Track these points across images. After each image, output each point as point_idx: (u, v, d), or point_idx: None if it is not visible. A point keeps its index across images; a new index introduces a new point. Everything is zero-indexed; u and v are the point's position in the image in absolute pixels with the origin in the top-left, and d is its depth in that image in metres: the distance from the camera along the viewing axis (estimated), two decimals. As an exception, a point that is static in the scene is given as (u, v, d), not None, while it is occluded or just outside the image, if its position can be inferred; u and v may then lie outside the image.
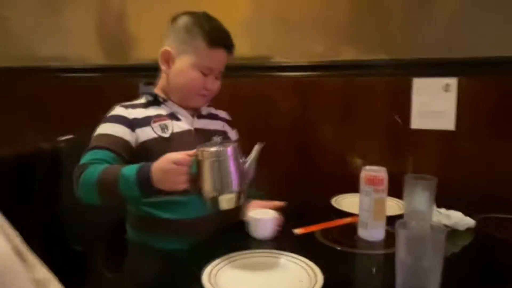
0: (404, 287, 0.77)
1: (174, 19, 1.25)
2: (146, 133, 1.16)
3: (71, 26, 2.19)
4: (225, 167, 0.97)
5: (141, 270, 1.14)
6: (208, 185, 0.98)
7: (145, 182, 0.99)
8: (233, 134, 1.42)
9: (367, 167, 1.13)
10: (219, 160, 0.97)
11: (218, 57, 1.22)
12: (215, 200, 0.99)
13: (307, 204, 1.56)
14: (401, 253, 0.77)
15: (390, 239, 1.11)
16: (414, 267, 0.76)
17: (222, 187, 0.98)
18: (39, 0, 2.25)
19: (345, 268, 0.99)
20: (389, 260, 0.96)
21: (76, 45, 2.19)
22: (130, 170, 1.02)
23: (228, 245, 1.08)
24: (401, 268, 0.78)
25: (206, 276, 0.88)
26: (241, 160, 1.00)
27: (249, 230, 1.09)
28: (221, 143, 1.00)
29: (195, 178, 0.99)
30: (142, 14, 2.04)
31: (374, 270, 1.00)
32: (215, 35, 1.20)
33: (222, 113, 1.41)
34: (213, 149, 0.98)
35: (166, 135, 1.18)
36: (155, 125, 1.18)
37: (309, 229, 1.20)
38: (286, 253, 0.99)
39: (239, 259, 0.97)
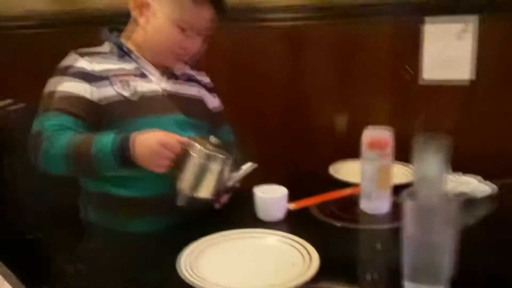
0: (412, 266, 0.77)
1: None
2: (104, 90, 1.13)
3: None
4: (210, 173, 1.04)
5: (106, 258, 1.14)
6: (185, 180, 1.04)
7: (123, 153, 1.01)
8: (213, 102, 1.39)
9: (370, 128, 1.13)
10: (207, 164, 1.03)
11: (201, 13, 1.17)
12: (186, 197, 1.05)
13: (300, 174, 1.57)
14: (409, 227, 0.78)
15: (396, 211, 1.11)
16: (424, 243, 0.77)
17: (198, 188, 1.04)
18: None
19: (345, 247, 1.00)
20: (396, 235, 0.97)
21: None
22: (106, 139, 1.02)
23: (207, 225, 1.09)
24: (409, 244, 0.78)
25: (182, 262, 0.88)
26: (228, 174, 1.06)
27: (257, 212, 1.10)
28: (217, 146, 1.05)
29: (177, 164, 1.03)
30: None
31: (378, 247, 1.02)
32: None
33: (201, 76, 1.37)
34: (207, 150, 1.04)
35: (128, 94, 1.15)
36: (116, 81, 1.15)
37: (303, 203, 1.20)
38: (276, 232, 1.00)
39: (221, 241, 0.97)
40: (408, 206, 0.77)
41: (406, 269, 0.79)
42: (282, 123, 1.87)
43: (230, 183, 1.09)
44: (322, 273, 0.85)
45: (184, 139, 1.04)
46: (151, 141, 1.01)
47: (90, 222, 1.22)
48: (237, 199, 1.21)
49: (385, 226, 1.08)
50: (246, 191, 1.16)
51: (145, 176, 1.14)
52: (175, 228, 1.10)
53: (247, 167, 1.10)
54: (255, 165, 1.10)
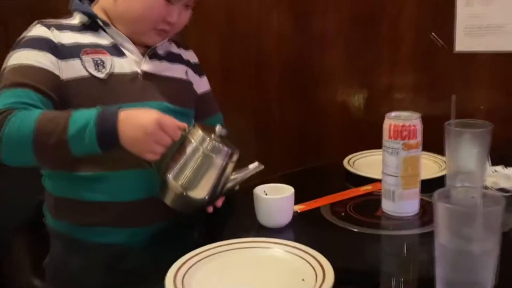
0: (447, 281, 0.77)
1: None
2: (72, 68, 1.11)
3: None
4: (212, 169, 1.04)
5: (73, 275, 1.14)
6: (179, 175, 1.03)
7: (108, 130, 0.99)
8: (203, 86, 1.37)
9: (393, 113, 1.11)
10: (211, 157, 1.03)
11: None
12: (172, 194, 1.04)
13: (309, 169, 1.56)
14: (442, 233, 0.76)
15: (426, 214, 1.12)
16: (461, 253, 0.75)
17: (193, 186, 1.03)
18: None
19: (364, 258, 1.00)
20: (426, 243, 0.96)
21: None
22: (88, 113, 1.00)
23: (198, 235, 1.08)
24: (442, 255, 0.77)
25: (169, 281, 0.86)
26: (230, 173, 1.07)
27: (259, 216, 1.09)
28: (223, 138, 1.05)
29: (170, 154, 1.03)
30: None
31: (405, 258, 1.02)
32: None
33: (187, 54, 1.35)
34: (213, 140, 1.03)
35: (101, 75, 1.13)
36: (87, 58, 1.13)
37: (313, 204, 1.20)
38: (282, 240, 0.99)
39: (215, 255, 0.96)
40: (441, 207, 0.75)
41: (439, 285, 0.78)
42: (286, 108, 1.87)
43: (230, 184, 1.08)
44: (338, 289, 0.83)
45: (183, 124, 1.03)
46: (145, 121, 0.99)
47: (55, 232, 1.21)
48: (233, 201, 1.21)
49: (413, 231, 1.08)
50: (244, 191, 1.15)
51: (125, 176, 1.12)
52: (160, 239, 1.10)
53: (252, 167, 1.09)
54: (261, 166, 1.09)
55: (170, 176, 1.04)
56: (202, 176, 1.04)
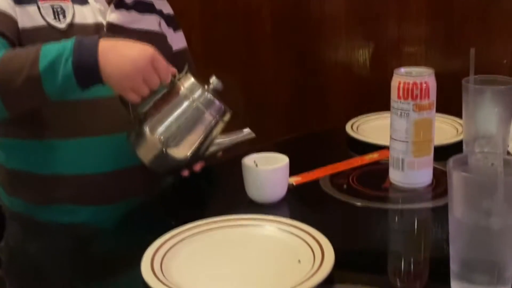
0: (462, 261, 0.77)
1: None
2: (28, 16, 1.11)
3: None
4: (199, 124, 1.03)
5: (34, 261, 1.15)
6: (157, 124, 1.03)
7: (86, 60, 0.98)
8: (175, 39, 1.36)
9: (402, 69, 1.11)
10: (200, 109, 1.02)
11: None
12: (149, 148, 1.03)
13: (306, 135, 1.57)
14: (458, 207, 0.77)
15: (440, 184, 1.12)
16: (479, 229, 0.75)
17: (175, 142, 1.03)
18: None
19: (369, 236, 1.00)
20: (439, 218, 0.97)
21: None
22: (60, 44, 1.00)
23: (178, 211, 1.09)
24: (458, 231, 0.78)
25: (146, 265, 0.87)
26: (217, 134, 1.07)
27: (248, 190, 1.09)
28: (216, 93, 1.04)
29: (147, 100, 1.02)
30: None
31: (415, 235, 1.02)
32: None
33: (160, 3, 1.34)
34: (205, 92, 1.03)
35: (61, 25, 1.13)
36: (45, 5, 1.13)
37: (311, 175, 1.20)
38: (275, 217, 0.99)
39: (199, 234, 0.96)
40: (456, 176, 0.76)
41: (454, 265, 0.78)
42: (280, 65, 1.86)
43: (214, 148, 1.08)
44: (339, 272, 0.84)
45: (174, 69, 1.03)
46: (136, 54, 0.99)
47: (10, 212, 1.22)
48: (218, 173, 1.21)
49: (425, 205, 1.09)
50: (231, 161, 1.15)
51: (88, 143, 1.13)
52: (132, 219, 1.10)
53: (243, 134, 1.09)
54: (253, 134, 1.09)
55: (149, 127, 1.03)
56: (187, 132, 1.04)
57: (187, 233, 0.96)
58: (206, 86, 1.04)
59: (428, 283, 0.87)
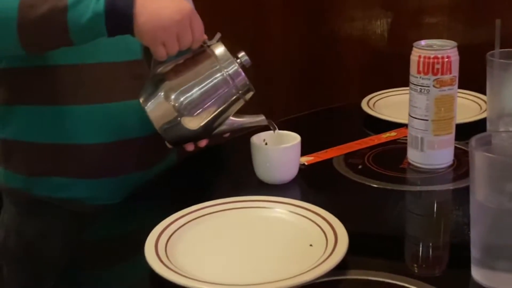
0: (485, 247, 0.77)
1: None
2: None
3: None
4: (221, 93, 1.03)
5: (25, 243, 1.16)
6: (178, 88, 1.02)
7: (123, 2, 0.96)
8: None
9: (423, 42, 1.11)
10: (226, 81, 1.02)
11: None
12: (161, 111, 1.03)
13: (319, 111, 1.56)
14: (480, 189, 0.77)
15: (462, 165, 1.13)
16: (502, 213, 0.76)
17: (188, 110, 1.02)
18: None
19: (385, 219, 1.01)
20: (460, 201, 0.98)
21: None
22: None
23: (183, 192, 1.09)
24: (480, 215, 0.78)
25: (150, 249, 0.87)
26: (232, 111, 1.06)
27: (257, 170, 1.10)
28: (244, 67, 1.05)
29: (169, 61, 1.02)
30: None
31: (434, 218, 1.03)
32: None
33: None
34: (236, 63, 1.03)
35: None
36: None
37: (323, 155, 1.21)
38: (286, 199, 1.00)
39: (205, 216, 0.97)
40: (479, 156, 0.76)
41: (475, 251, 0.79)
42: (291, 36, 1.85)
43: (223, 128, 1.08)
44: (353, 257, 0.84)
45: (205, 35, 1.03)
46: (174, 5, 0.98)
47: (5, 187, 1.24)
48: (226, 152, 1.21)
49: (445, 187, 1.09)
50: (239, 140, 1.16)
51: (87, 111, 1.14)
52: (136, 197, 1.11)
53: (257, 120, 1.08)
54: (266, 122, 1.09)
55: (166, 89, 1.03)
56: (206, 100, 1.03)
57: (192, 216, 0.96)
58: (236, 58, 1.05)
59: (448, 269, 0.87)
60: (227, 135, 1.11)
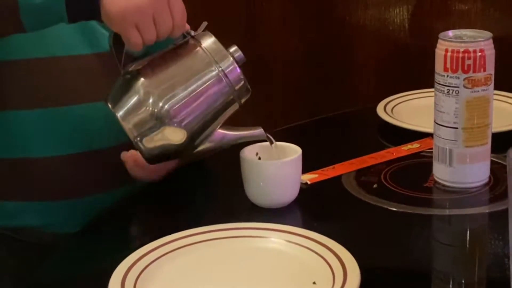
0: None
1: None
2: None
3: None
4: (212, 93, 1.01)
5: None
6: (158, 87, 1.00)
7: None
8: None
9: (450, 33, 1.11)
10: (218, 76, 1.00)
11: None
12: (137, 119, 1.01)
13: (326, 118, 1.57)
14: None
15: (499, 183, 1.12)
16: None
17: (174, 114, 1.00)
18: None
19: (407, 250, 1.00)
20: (498, 227, 0.97)
21: None
22: None
23: (161, 217, 1.08)
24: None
25: (116, 285, 0.87)
26: (223, 119, 1.05)
27: (248, 192, 1.10)
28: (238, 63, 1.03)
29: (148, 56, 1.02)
30: None
31: (466, 247, 1.02)
32: None
33: None
34: (229, 56, 1.02)
35: None
36: None
37: (330, 172, 1.20)
38: (284, 226, 1.00)
39: (185, 247, 0.96)
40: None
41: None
42: (293, 29, 1.87)
43: (211, 145, 1.06)
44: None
45: (188, 25, 1.02)
46: None
47: None
48: (211, 168, 1.21)
49: (479, 210, 1.09)
50: (227, 152, 1.16)
51: (41, 116, 1.13)
52: (101, 223, 1.12)
53: (254, 133, 1.07)
54: (267, 136, 1.08)
55: (143, 88, 1.01)
56: (194, 106, 1.02)
57: (168, 248, 0.96)
58: (226, 50, 1.04)
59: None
60: (212, 149, 1.09)
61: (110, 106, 1.02)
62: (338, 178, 1.19)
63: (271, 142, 1.09)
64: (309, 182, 1.16)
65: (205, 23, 1.05)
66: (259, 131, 1.07)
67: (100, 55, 1.16)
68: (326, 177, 1.19)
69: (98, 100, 1.10)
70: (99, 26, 1.03)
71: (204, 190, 1.22)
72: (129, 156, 1.14)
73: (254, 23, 1.92)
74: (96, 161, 1.18)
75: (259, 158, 1.10)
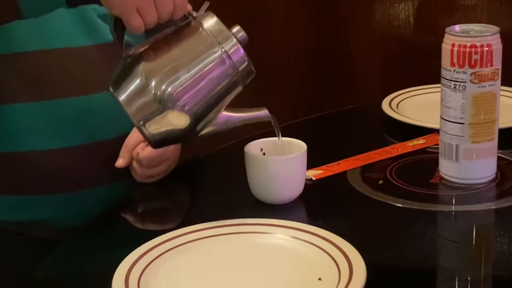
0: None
1: None
2: None
3: None
4: (215, 74, 1.00)
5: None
6: (161, 69, 1.00)
7: None
8: None
9: (457, 27, 1.11)
10: (222, 57, 0.99)
11: None
12: (140, 104, 1.00)
13: (330, 114, 1.57)
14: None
15: (506, 179, 1.12)
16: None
17: (177, 97, 0.99)
18: None
19: (412, 247, 1.00)
20: (505, 224, 0.97)
21: None
22: None
23: (162, 212, 1.08)
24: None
25: (118, 284, 0.86)
26: (226, 102, 1.03)
27: (253, 187, 1.10)
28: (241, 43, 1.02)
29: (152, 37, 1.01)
30: None
31: (473, 246, 1.02)
32: None
33: None
34: (233, 38, 1.00)
35: None
36: None
37: (335, 168, 1.21)
38: (289, 222, 1.00)
39: (187, 243, 0.96)
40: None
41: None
42: (296, 24, 1.87)
43: (215, 128, 1.06)
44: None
45: (190, 5, 1.01)
46: None
47: None
48: (214, 164, 1.21)
49: (486, 206, 1.09)
50: (231, 148, 1.16)
51: (36, 109, 1.14)
52: (104, 219, 1.11)
53: (258, 114, 1.06)
54: (271, 117, 1.07)
55: (146, 71, 1.00)
56: (198, 88, 1.00)
57: (173, 243, 0.96)
58: (229, 30, 1.03)
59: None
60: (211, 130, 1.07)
61: (112, 90, 1.01)
62: (343, 174, 1.19)
63: (276, 126, 1.08)
64: (314, 178, 1.16)
65: (207, 3, 1.04)
66: (264, 112, 1.07)
67: (100, 46, 1.16)
68: (331, 173, 1.19)
69: (99, 92, 1.10)
70: (97, 18, 1.02)
71: (208, 186, 1.23)
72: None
73: (258, 18, 1.91)
74: (97, 154, 1.18)
75: (264, 154, 1.10)
